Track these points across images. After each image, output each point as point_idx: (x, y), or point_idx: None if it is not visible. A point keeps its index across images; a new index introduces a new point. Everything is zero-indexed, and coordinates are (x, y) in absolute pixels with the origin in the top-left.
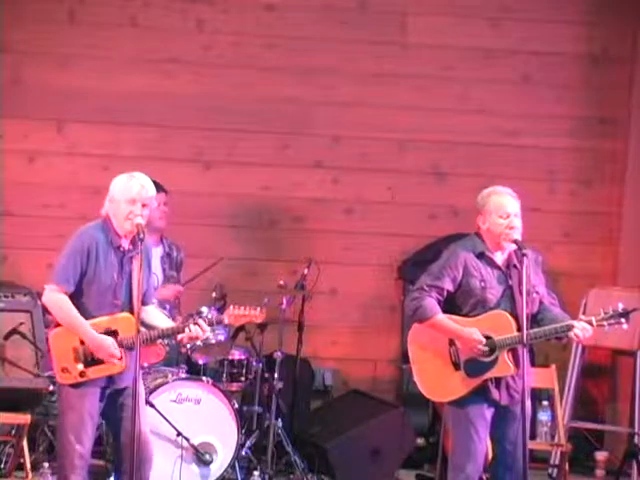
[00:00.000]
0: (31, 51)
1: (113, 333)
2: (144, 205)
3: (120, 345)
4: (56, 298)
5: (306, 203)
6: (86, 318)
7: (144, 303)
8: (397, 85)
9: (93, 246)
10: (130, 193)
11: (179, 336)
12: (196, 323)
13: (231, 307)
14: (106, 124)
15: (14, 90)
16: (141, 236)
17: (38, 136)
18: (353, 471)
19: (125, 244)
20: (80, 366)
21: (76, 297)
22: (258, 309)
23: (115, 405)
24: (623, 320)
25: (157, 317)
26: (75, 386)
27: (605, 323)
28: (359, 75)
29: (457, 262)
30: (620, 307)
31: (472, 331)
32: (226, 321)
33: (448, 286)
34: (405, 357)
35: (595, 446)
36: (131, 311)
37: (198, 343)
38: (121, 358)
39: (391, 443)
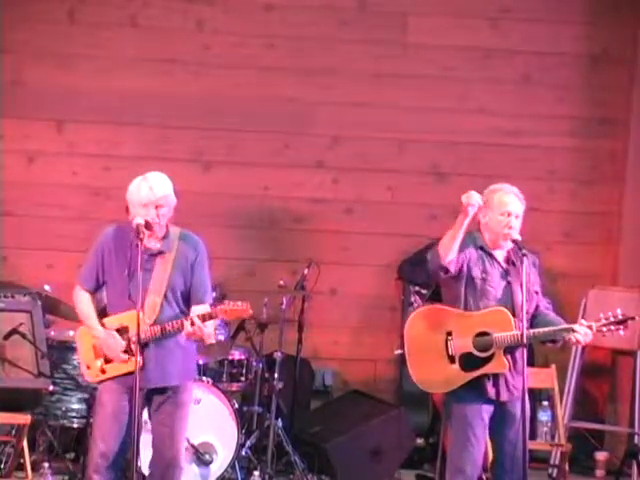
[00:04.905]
0: (31, 51)
1: (124, 329)
2: (157, 206)
3: (129, 341)
4: (76, 296)
5: (306, 203)
6: (111, 314)
7: (197, 302)
8: (397, 85)
9: (107, 246)
10: (140, 198)
11: (184, 335)
12: (192, 322)
13: (226, 302)
14: (106, 124)
15: (14, 90)
16: (141, 236)
17: (38, 136)
18: (353, 471)
19: (152, 244)
20: (99, 362)
21: (106, 294)
22: (247, 305)
23: (155, 407)
24: (621, 326)
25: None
26: (102, 384)
27: (604, 329)
28: (359, 75)
29: (466, 248)
30: (619, 313)
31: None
32: (219, 316)
33: (458, 256)
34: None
35: (595, 446)
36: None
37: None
38: (126, 352)
39: (391, 443)
